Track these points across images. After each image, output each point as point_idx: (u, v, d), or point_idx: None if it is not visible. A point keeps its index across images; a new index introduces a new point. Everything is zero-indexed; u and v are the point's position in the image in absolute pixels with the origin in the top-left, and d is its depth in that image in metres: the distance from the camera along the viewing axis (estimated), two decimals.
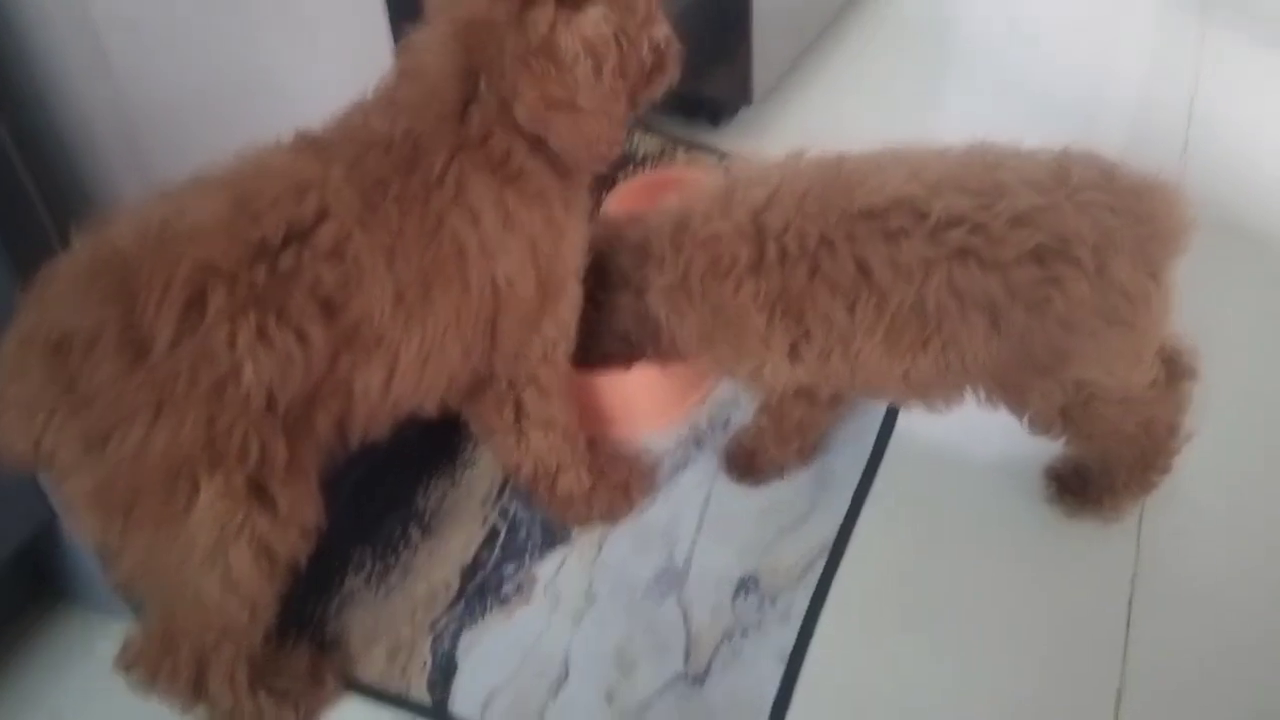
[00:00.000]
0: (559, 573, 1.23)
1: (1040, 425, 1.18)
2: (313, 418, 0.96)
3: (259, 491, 0.94)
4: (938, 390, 1.16)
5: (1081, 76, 2.01)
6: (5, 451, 0.88)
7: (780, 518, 1.28)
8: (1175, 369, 1.20)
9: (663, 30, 1.06)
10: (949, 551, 1.25)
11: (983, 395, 1.16)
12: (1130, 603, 1.19)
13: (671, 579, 1.22)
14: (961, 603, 1.20)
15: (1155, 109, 1.92)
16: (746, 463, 1.32)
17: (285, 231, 0.90)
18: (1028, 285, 1.05)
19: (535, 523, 1.28)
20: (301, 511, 0.99)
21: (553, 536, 1.26)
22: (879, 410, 1.39)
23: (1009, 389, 1.14)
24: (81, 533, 0.95)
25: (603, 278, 1.19)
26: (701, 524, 1.28)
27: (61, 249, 1.00)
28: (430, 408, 1.08)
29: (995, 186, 1.07)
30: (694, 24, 1.73)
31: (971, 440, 1.35)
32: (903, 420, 1.38)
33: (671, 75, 1.10)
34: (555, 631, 1.17)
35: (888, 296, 1.08)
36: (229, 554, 0.95)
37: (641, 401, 1.37)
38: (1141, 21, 2.15)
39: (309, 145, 0.98)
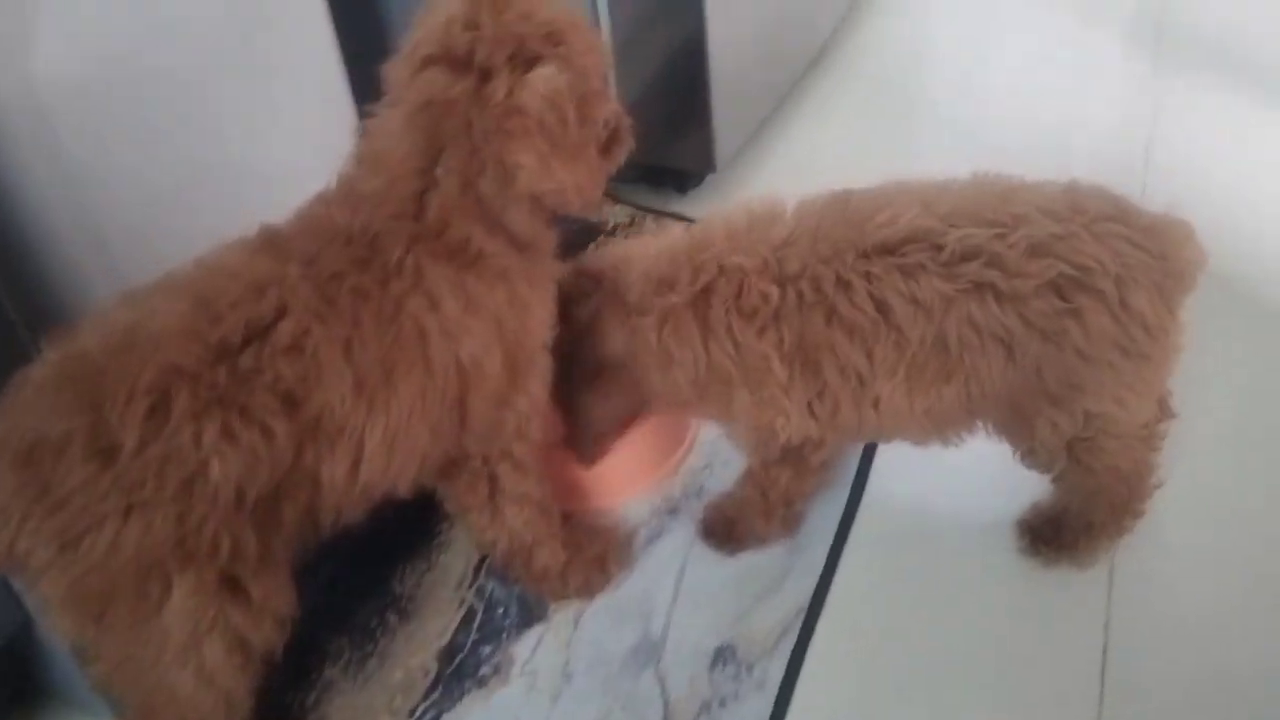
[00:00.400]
0: (536, 651, 1.23)
1: (1043, 457, 1.17)
2: (280, 509, 0.98)
3: (231, 584, 0.96)
4: (955, 423, 1.15)
5: (1041, 123, 2.04)
6: None
7: (755, 583, 1.29)
8: (1159, 409, 1.21)
9: (612, 107, 1.09)
10: (923, 608, 1.25)
11: (993, 426, 1.16)
12: (1105, 649, 1.19)
13: (648, 651, 1.22)
14: (937, 658, 1.20)
15: (1113, 155, 1.95)
16: (726, 531, 1.32)
17: (245, 331, 0.93)
18: (1046, 316, 1.05)
19: (513, 600, 1.28)
20: (275, 601, 1.00)
21: (529, 615, 1.27)
22: (850, 469, 1.40)
23: (1018, 419, 1.14)
24: (58, 633, 0.96)
25: (578, 326, 1.17)
26: (677, 594, 1.28)
27: (33, 351, 1.03)
28: (403, 489, 1.09)
29: (1011, 216, 1.06)
30: (654, 94, 1.78)
31: (943, 494, 1.36)
32: (874, 477, 1.39)
33: (627, 147, 1.12)
34: (532, 711, 1.18)
35: (907, 334, 1.07)
36: (203, 648, 0.96)
37: (615, 472, 1.38)
38: (1097, 68, 2.19)
39: (269, 242, 1.01)
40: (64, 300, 1.15)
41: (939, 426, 1.16)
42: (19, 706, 1.22)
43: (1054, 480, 1.23)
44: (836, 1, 2.20)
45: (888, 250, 1.08)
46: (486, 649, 1.24)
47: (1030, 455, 1.19)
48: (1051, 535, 1.27)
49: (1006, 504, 1.31)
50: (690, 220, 1.85)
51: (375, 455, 1.01)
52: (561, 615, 1.27)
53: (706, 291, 1.12)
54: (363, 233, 1.00)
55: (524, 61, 0.99)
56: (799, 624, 1.24)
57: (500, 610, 1.28)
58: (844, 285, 1.08)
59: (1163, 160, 1.90)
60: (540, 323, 1.11)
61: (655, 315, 1.14)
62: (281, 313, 0.94)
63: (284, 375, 0.93)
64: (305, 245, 1.00)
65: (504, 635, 1.25)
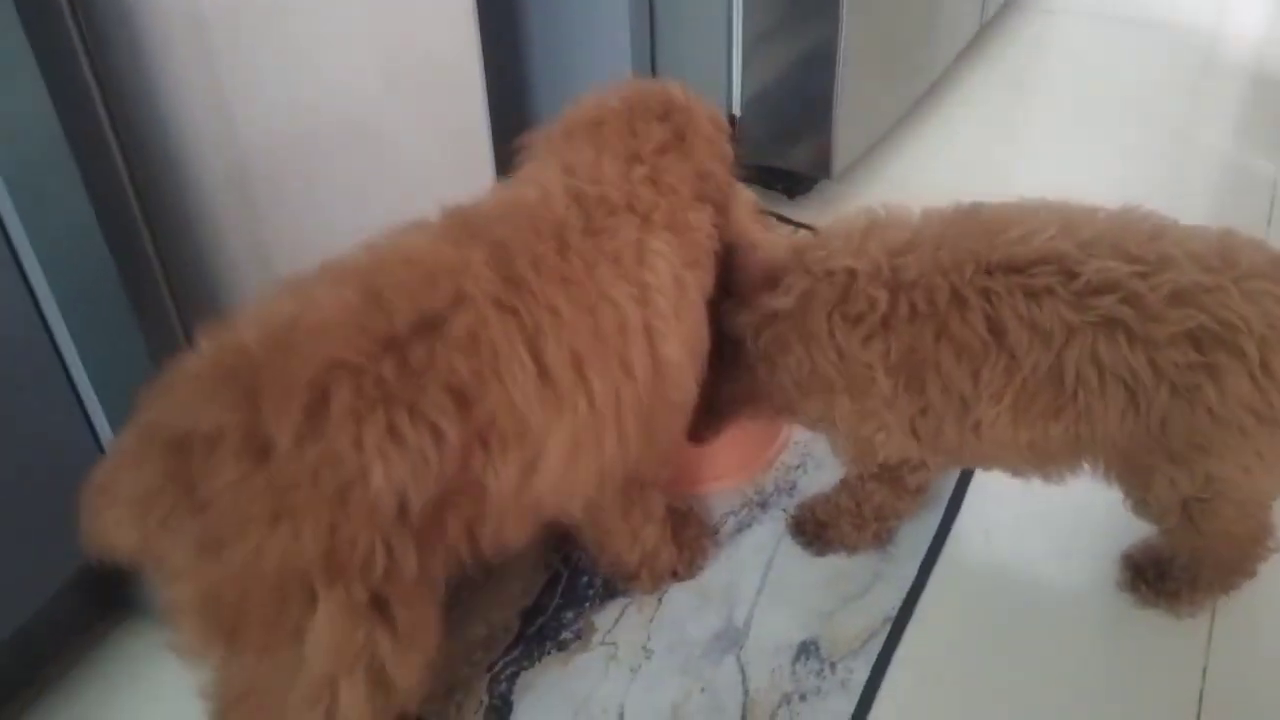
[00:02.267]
0: (618, 623, 1.22)
1: (1155, 512, 1.12)
2: (444, 521, 0.88)
3: (381, 608, 0.85)
4: (1060, 460, 1.10)
5: (1170, 161, 2.01)
6: (108, 544, 0.82)
7: (844, 586, 1.27)
8: None
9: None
10: (1013, 635, 1.22)
11: (1102, 470, 1.11)
12: (1201, 697, 1.15)
13: (731, 638, 1.21)
14: (1022, 686, 1.17)
15: (1240, 186, 1.91)
16: (816, 533, 1.30)
17: (417, 322, 0.84)
18: (1179, 369, 0.99)
19: (597, 570, 1.28)
20: (422, 637, 0.89)
21: (614, 586, 1.26)
22: (948, 484, 1.38)
23: (1133, 470, 1.09)
24: (181, 650, 0.86)
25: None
26: (763, 587, 1.27)
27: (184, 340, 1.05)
28: (575, 510, 1.01)
29: (1157, 257, 1.01)
30: (778, 94, 1.78)
31: (1041, 521, 1.33)
32: (971, 499, 1.37)
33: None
34: (611, 682, 1.16)
35: (1020, 360, 1.02)
36: (340, 687, 0.86)
37: (716, 457, 1.36)
38: (1227, 91, 2.15)
39: (453, 226, 0.94)
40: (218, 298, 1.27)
41: (1043, 462, 1.11)
42: (102, 624, 1.23)
43: (1163, 534, 1.19)
44: (966, 22, 2.19)
45: (1014, 269, 1.03)
46: (569, 614, 1.23)
47: (1141, 506, 1.14)
48: (1154, 577, 1.23)
49: (1110, 544, 1.27)
50: (797, 225, 1.85)
51: (554, 463, 0.91)
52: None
53: (807, 296, 1.09)
54: (563, 218, 0.94)
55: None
56: (886, 631, 1.21)
57: (585, 578, 1.27)
58: (959, 300, 1.03)
59: None
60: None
61: (756, 317, 1.12)
62: (459, 302, 0.86)
63: (458, 370, 0.84)
64: (494, 230, 0.92)
65: (587, 603, 1.24)
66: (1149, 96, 2.22)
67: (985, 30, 2.34)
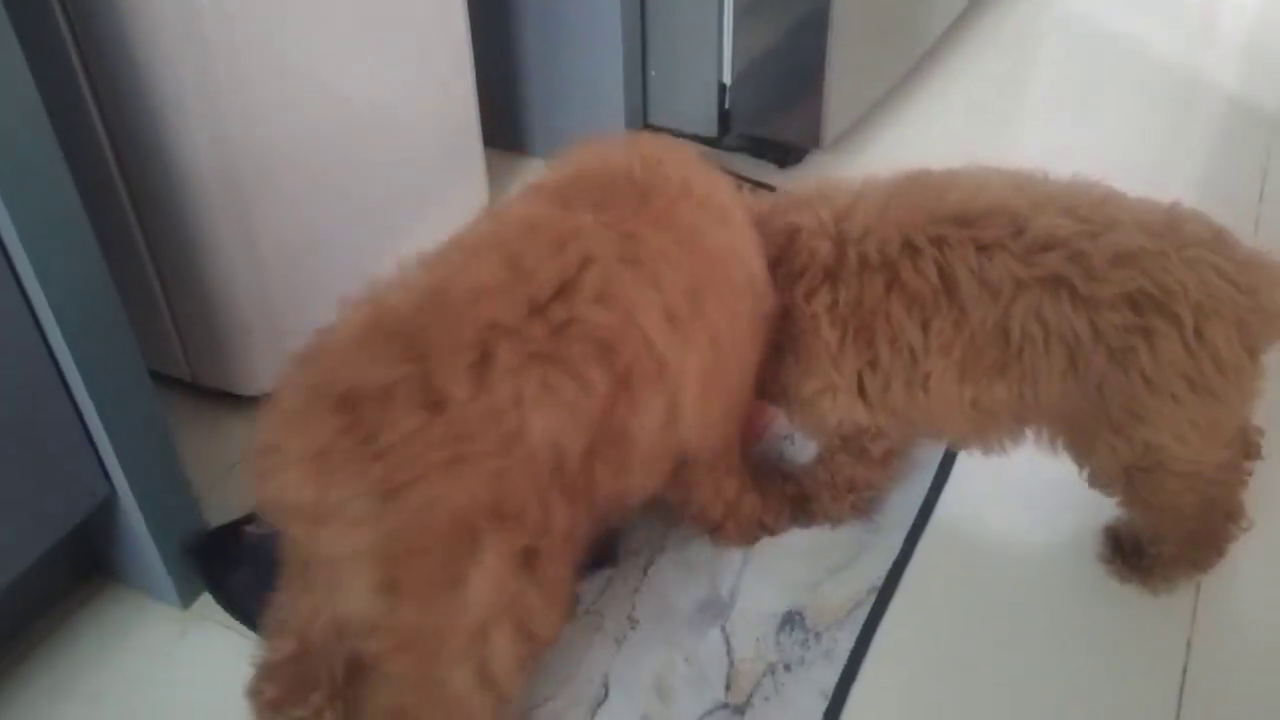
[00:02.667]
0: (604, 593, 1.22)
1: (1101, 481, 1.15)
2: (592, 472, 0.93)
3: (531, 561, 0.89)
4: (1003, 425, 1.11)
5: (1153, 143, 2.00)
6: (284, 504, 0.85)
7: (829, 557, 1.27)
8: (1242, 447, 1.17)
9: None
10: (997, 605, 1.22)
11: (1045, 437, 1.12)
12: (1185, 670, 1.15)
13: (716, 609, 1.21)
14: (1006, 659, 1.17)
15: (1229, 180, 1.91)
16: (800, 505, 1.30)
17: (557, 283, 0.90)
18: (1116, 330, 1.00)
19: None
20: (562, 590, 0.95)
21: (600, 557, 1.25)
22: (934, 458, 1.37)
23: (1079, 437, 1.10)
24: (349, 601, 0.86)
25: None
26: (748, 558, 1.26)
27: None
28: (711, 450, 1.09)
29: (1104, 219, 1.02)
30: (769, 63, 1.77)
31: (1026, 496, 1.33)
32: (957, 469, 1.36)
33: None
34: (597, 653, 1.16)
35: (968, 313, 1.03)
36: (491, 635, 0.89)
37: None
38: (1225, 62, 2.14)
39: (554, 194, 1.01)
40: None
41: (987, 424, 1.11)
42: (87, 586, 1.23)
43: (1119, 505, 1.19)
44: None
45: (965, 222, 1.03)
46: None
47: (1091, 476, 1.15)
48: (1131, 551, 1.23)
49: (1094, 517, 1.27)
50: (756, 183, 1.84)
51: (691, 397, 0.97)
52: (631, 562, 1.26)
53: None
54: (628, 167, 1.01)
55: None
56: (871, 601, 1.22)
57: None
58: (911, 250, 1.04)
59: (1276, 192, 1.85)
60: None
61: None
62: (587, 262, 0.92)
63: (598, 323, 0.91)
64: (583, 194, 1.00)
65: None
66: (1146, 65, 2.20)
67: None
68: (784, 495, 1.29)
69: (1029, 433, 1.13)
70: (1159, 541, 1.19)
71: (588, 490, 0.94)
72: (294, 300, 1.35)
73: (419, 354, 0.84)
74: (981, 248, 1.02)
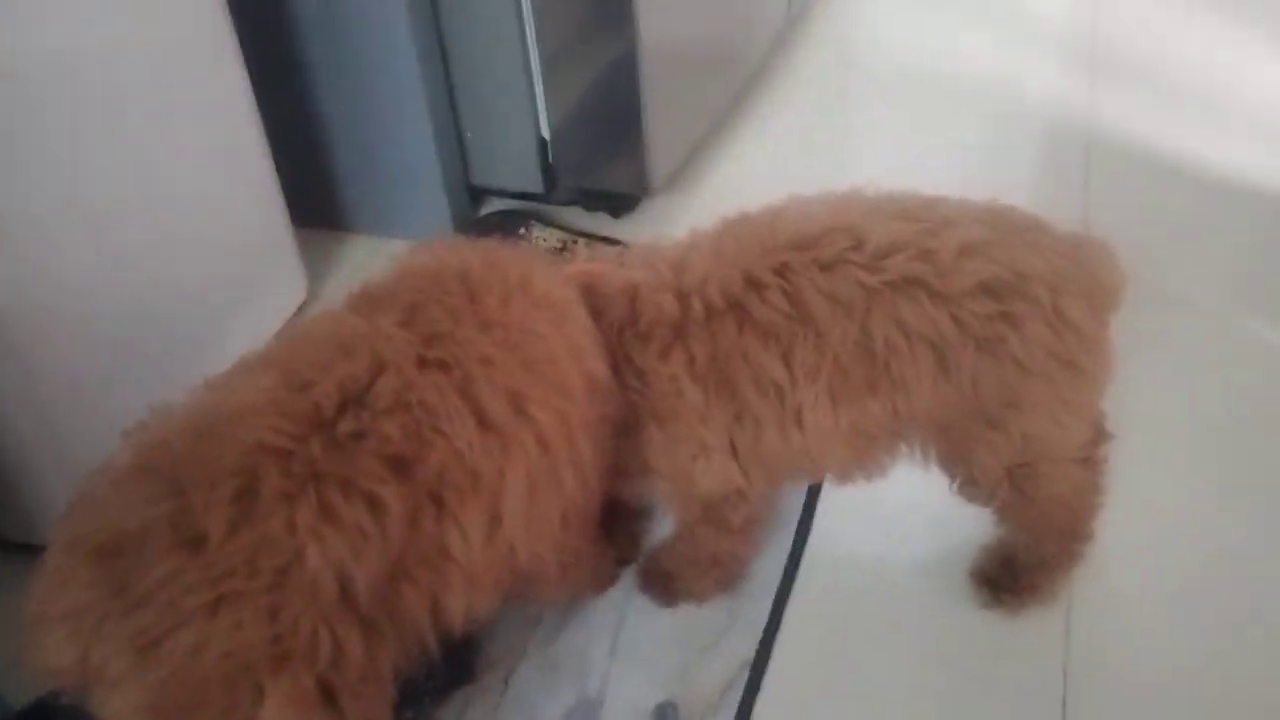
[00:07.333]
0: (463, 717, 1.14)
1: (983, 486, 1.11)
2: (400, 595, 0.86)
3: (332, 697, 0.83)
4: (880, 444, 1.08)
5: (982, 146, 2.01)
6: (51, 670, 0.79)
7: (698, 637, 1.21)
8: (1096, 432, 1.16)
9: None
10: (874, 659, 1.19)
11: (920, 450, 1.09)
12: (1064, 699, 1.13)
13: (585, 713, 1.14)
14: (890, 711, 1.14)
15: (1053, 179, 1.93)
16: (664, 585, 1.24)
17: (339, 395, 0.84)
18: (981, 320, 0.99)
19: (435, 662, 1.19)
20: None
21: (455, 676, 1.17)
22: (793, 517, 1.33)
23: (954, 444, 1.08)
24: None
25: None
26: (615, 650, 1.20)
27: None
28: (554, 560, 1.02)
29: (939, 218, 1.01)
30: (585, 114, 1.71)
31: (891, 539, 1.30)
32: (818, 525, 1.32)
33: None
34: None
35: (827, 334, 0.99)
36: None
37: None
38: (1037, 69, 2.17)
39: (357, 301, 0.95)
40: None
41: (865, 447, 1.07)
42: None
43: (997, 513, 1.16)
44: (773, 11, 2.15)
45: (803, 246, 1.01)
46: (408, 714, 1.14)
47: (969, 485, 1.12)
48: (1009, 581, 1.20)
49: (954, 545, 1.25)
50: (625, 245, 1.78)
51: (517, 506, 0.90)
52: (491, 674, 1.18)
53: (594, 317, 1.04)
54: (466, 265, 0.96)
55: None
56: (744, 678, 1.16)
57: (421, 672, 1.18)
58: (755, 285, 1.01)
59: (1102, 184, 1.88)
60: None
61: None
62: (379, 367, 0.86)
63: (391, 436, 0.83)
64: (399, 296, 0.93)
65: (426, 698, 1.15)
66: (966, 72, 2.22)
67: (797, 19, 2.31)
68: (632, 532, 1.26)
69: (904, 448, 1.10)
70: (1037, 548, 1.17)
71: (394, 616, 0.87)
72: (88, 439, 1.23)
73: (178, 488, 0.78)
74: (825, 266, 1.00)
